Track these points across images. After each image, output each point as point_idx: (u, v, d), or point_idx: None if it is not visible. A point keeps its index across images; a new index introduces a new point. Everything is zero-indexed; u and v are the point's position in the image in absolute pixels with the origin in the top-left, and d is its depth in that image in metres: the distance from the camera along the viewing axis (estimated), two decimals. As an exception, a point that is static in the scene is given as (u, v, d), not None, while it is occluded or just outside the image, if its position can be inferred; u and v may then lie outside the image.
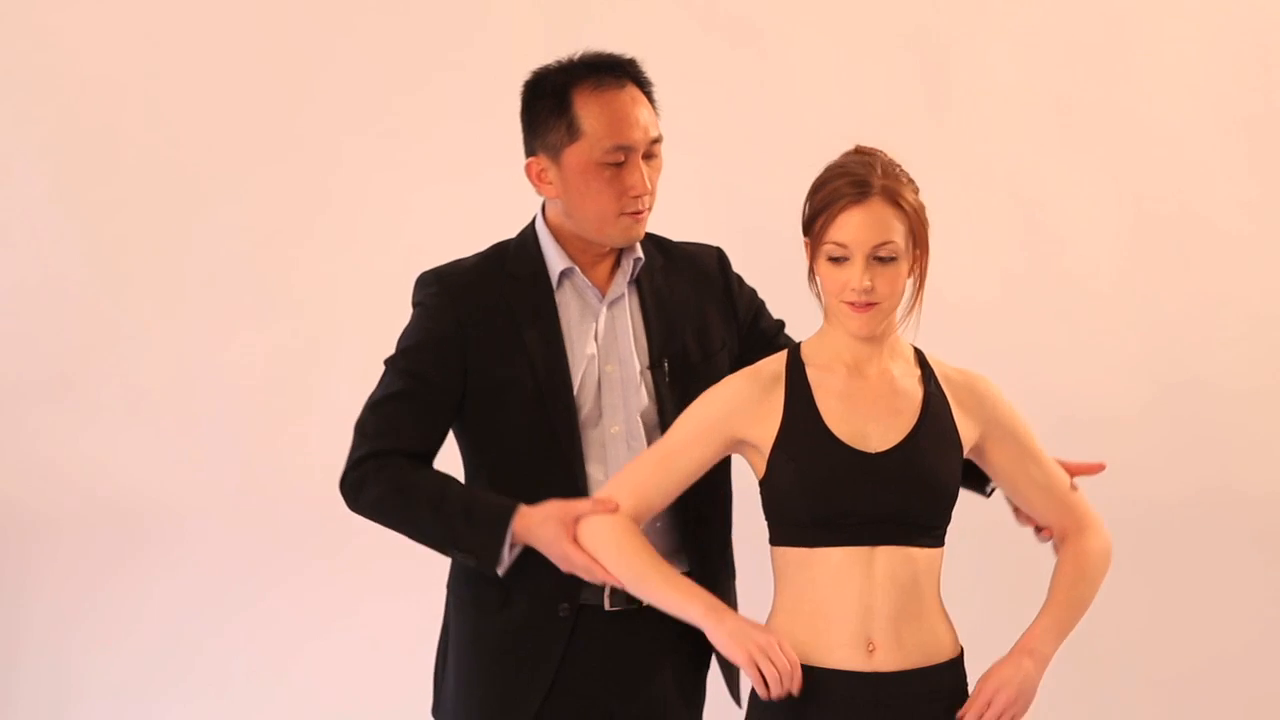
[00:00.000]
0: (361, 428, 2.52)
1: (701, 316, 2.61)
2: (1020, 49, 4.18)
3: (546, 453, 2.51)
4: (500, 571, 2.44)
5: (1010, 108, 4.17)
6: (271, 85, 4.14)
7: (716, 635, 2.34)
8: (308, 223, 4.14)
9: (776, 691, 2.29)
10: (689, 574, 2.49)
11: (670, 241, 2.68)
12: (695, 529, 2.58)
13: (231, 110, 4.13)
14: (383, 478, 2.47)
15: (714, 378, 2.49)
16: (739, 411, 2.40)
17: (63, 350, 4.14)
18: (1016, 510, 2.59)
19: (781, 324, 2.71)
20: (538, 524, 2.42)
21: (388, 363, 2.55)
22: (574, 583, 2.48)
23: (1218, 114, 4.17)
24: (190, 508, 4.14)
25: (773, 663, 2.29)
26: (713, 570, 2.58)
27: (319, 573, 4.14)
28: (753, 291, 2.71)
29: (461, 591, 2.61)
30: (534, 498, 2.45)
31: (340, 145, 4.13)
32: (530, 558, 2.47)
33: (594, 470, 2.53)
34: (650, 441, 2.53)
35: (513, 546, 2.43)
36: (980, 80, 4.17)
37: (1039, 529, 2.58)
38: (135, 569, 4.15)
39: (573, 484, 2.50)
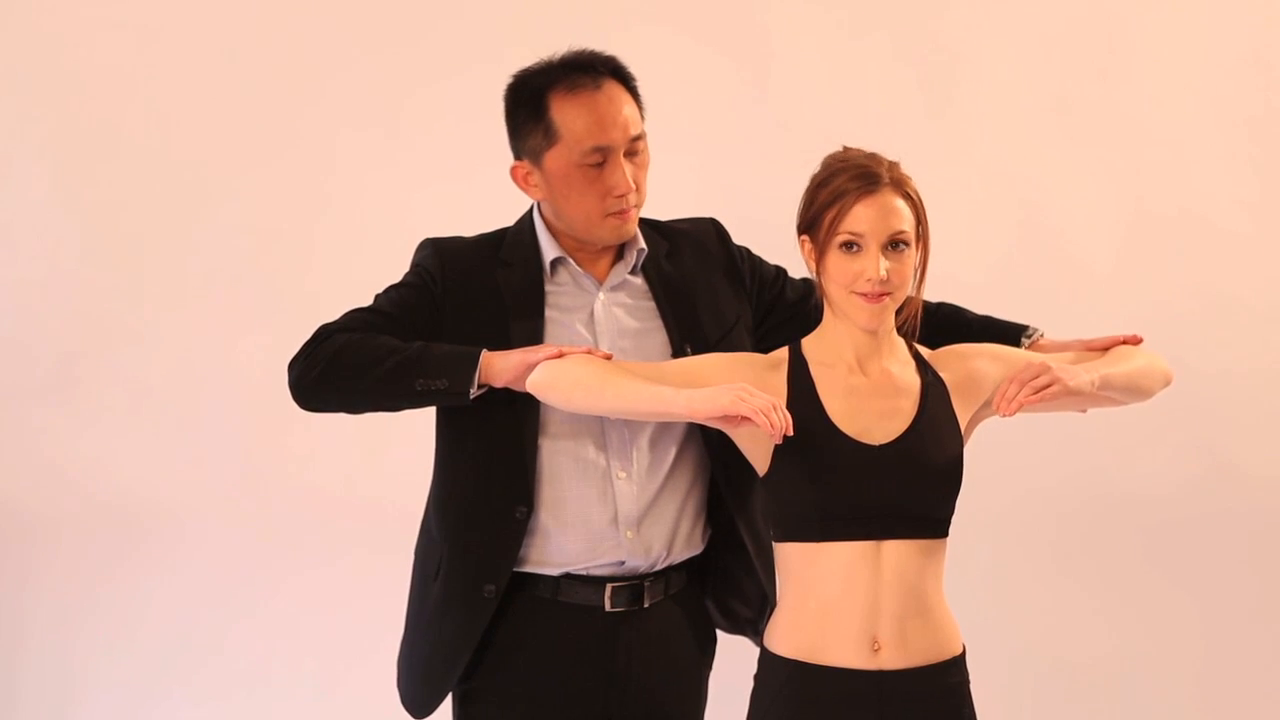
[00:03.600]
0: (331, 321, 2.54)
1: (712, 294, 2.62)
2: (1020, 48, 4.18)
3: (517, 436, 2.51)
4: (472, 394, 2.43)
5: (1010, 107, 4.17)
6: (274, 85, 4.13)
7: (693, 403, 2.30)
8: (309, 223, 4.14)
9: (776, 422, 2.24)
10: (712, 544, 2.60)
11: (666, 224, 2.69)
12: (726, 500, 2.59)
13: (234, 109, 4.13)
14: (343, 334, 2.49)
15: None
16: (738, 376, 2.38)
17: (63, 350, 4.14)
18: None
19: (782, 271, 2.72)
20: (504, 353, 2.43)
21: (377, 295, 2.58)
22: (503, 565, 2.50)
23: (1217, 114, 4.18)
24: (191, 509, 4.14)
25: (753, 402, 2.25)
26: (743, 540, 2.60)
27: (320, 574, 4.14)
28: (749, 253, 2.72)
29: (418, 551, 2.65)
30: (509, 463, 2.48)
31: (342, 145, 4.13)
32: (467, 526, 2.50)
33: (591, 453, 2.52)
34: (652, 427, 2.54)
35: (481, 386, 2.43)
36: (980, 79, 4.18)
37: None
38: (136, 570, 4.15)
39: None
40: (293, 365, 2.51)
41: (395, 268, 2.66)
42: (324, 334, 2.51)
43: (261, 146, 4.13)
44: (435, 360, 2.44)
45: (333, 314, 2.57)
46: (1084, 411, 2.59)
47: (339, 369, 2.46)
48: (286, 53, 4.14)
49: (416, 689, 2.61)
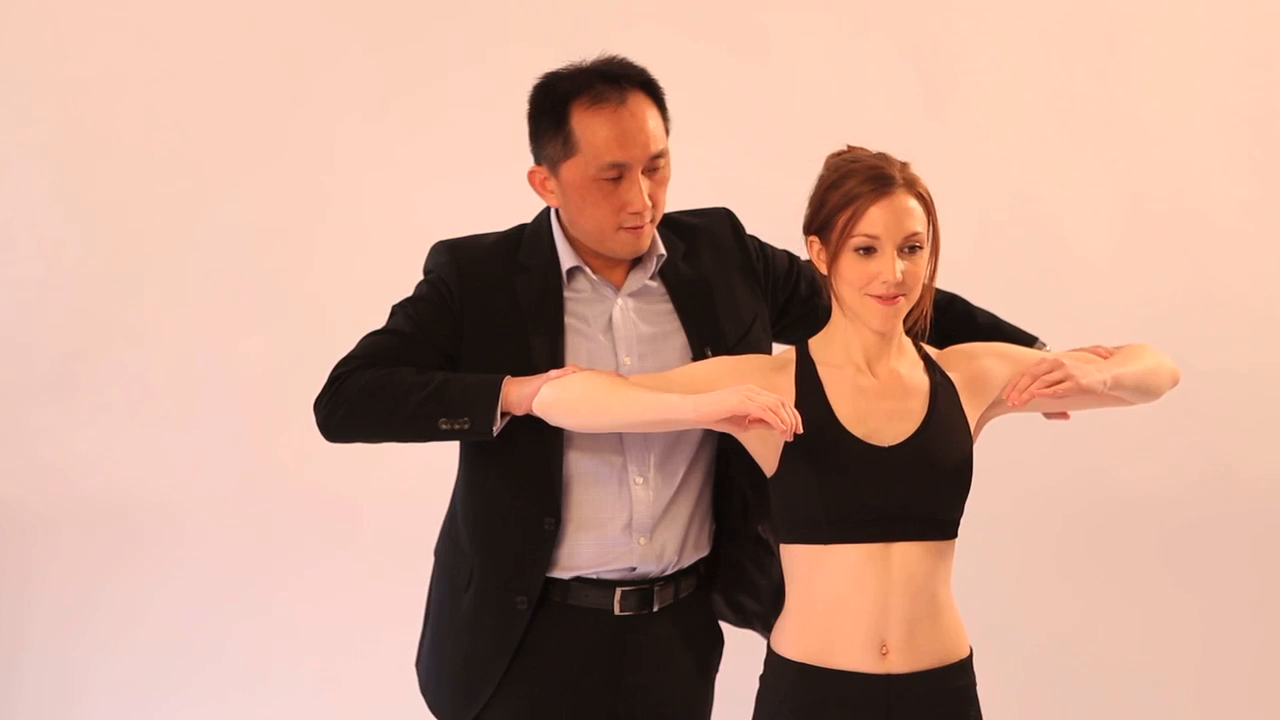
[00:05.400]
0: (350, 353, 2.52)
1: (730, 294, 2.60)
2: (1020, 48, 4.18)
3: (545, 450, 2.50)
4: (494, 431, 2.41)
5: (1010, 106, 4.17)
6: (273, 84, 4.13)
7: (700, 407, 2.30)
8: (309, 223, 4.13)
9: (786, 419, 2.25)
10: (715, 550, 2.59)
11: (682, 219, 2.65)
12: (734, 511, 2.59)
13: (233, 109, 4.12)
14: (367, 372, 2.46)
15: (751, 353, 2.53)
16: (744, 379, 2.38)
17: (63, 350, 4.13)
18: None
19: (794, 260, 2.70)
20: (522, 381, 2.42)
21: (393, 309, 2.56)
22: (533, 576, 2.50)
23: (1217, 114, 4.18)
24: (191, 509, 4.14)
25: (761, 401, 2.26)
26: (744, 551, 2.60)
27: (320, 574, 4.14)
28: (761, 244, 2.69)
29: (442, 559, 2.64)
30: (537, 476, 2.48)
31: (343, 144, 4.13)
32: (497, 539, 2.49)
33: (609, 458, 2.51)
34: (668, 434, 2.52)
35: (504, 415, 2.42)
36: (980, 78, 4.18)
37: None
38: (136, 570, 4.14)
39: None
40: (317, 407, 2.49)
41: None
42: (343, 374, 2.48)
43: (262, 146, 4.12)
44: (456, 398, 2.42)
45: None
46: (1067, 418, 2.58)
47: (361, 412, 2.45)
48: (286, 52, 4.14)
49: (449, 698, 2.60)
